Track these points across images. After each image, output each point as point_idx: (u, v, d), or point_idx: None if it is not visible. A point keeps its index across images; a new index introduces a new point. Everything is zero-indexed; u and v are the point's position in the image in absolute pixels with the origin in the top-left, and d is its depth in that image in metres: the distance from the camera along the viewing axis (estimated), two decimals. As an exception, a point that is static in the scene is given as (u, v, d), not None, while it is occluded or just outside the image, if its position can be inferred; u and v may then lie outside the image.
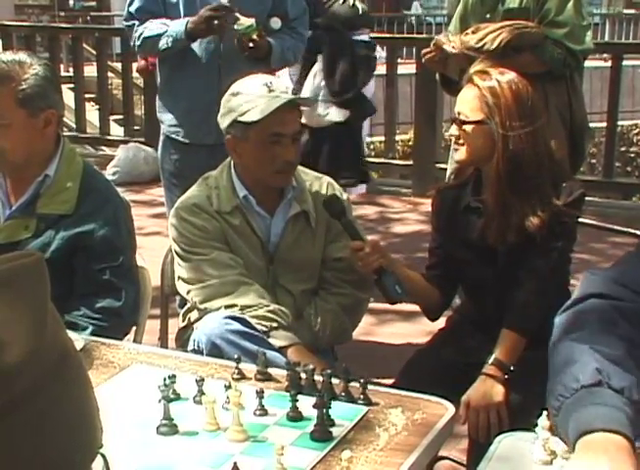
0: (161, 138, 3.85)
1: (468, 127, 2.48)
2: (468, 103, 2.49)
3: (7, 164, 2.47)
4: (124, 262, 2.52)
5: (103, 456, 0.88)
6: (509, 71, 2.51)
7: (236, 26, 3.45)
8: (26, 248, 2.41)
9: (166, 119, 3.78)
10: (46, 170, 2.48)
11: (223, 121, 2.59)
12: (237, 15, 3.46)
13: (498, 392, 2.35)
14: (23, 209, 2.49)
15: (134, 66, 7.95)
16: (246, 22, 3.44)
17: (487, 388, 2.36)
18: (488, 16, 3.49)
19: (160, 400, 1.81)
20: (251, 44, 3.47)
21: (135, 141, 7.84)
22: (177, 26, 3.53)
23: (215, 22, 3.44)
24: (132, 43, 3.76)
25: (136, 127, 8.48)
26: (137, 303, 2.58)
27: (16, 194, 2.52)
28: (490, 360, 2.39)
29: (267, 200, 2.62)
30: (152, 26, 3.61)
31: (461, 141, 2.51)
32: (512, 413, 2.33)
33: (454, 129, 2.52)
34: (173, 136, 3.75)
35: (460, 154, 2.53)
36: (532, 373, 2.34)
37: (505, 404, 2.34)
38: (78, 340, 2.16)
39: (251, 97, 2.51)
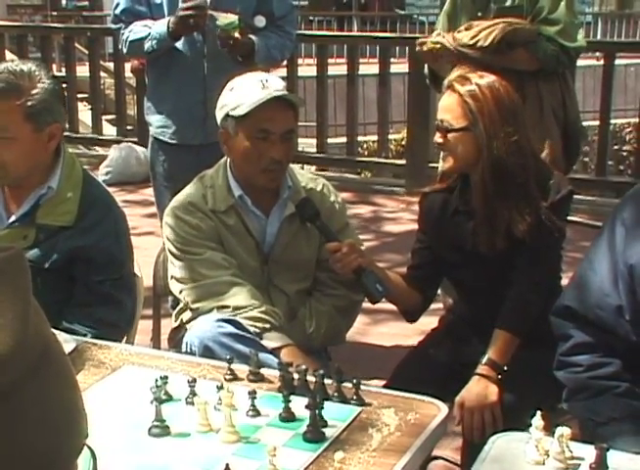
0: (150, 140, 3.83)
1: (453, 135, 2.47)
2: (451, 111, 2.47)
3: (8, 177, 2.43)
4: (125, 275, 2.52)
5: (90, 449, 0.87)
6: (488, 75, 2.50)
7: (217, 22, 3.44)
8: None
9: (154, 121, 3.75)
10: (49, 182, 2.44)
11: (218, 115, 2.59)
12: (213, 13, 3.44)
13: (492, 392, 2.35)
14: (23, 218, 2.45)
15: (127, 65, 7.92)
16: (228, 18, 3.43)
17: (481, 388, 2.35)
18: (480, 14, 3.48)
19: (151, 402, 1.81)
20: (230, 41, 3.44)
21: (128, 141, 7.81)
22: (160, 27, 3.49)
23: (191, 20, 3.41)
24: (120, 47, 3.72)
25: (129, 127, 8.44)
26: (134, 312, 2.59)
27: (15, 203, 2.48)
28: (484, 360, 2.38)
29: (262, 200, 2.61)
30: (136, 29, 3.57)
31: (446, 150, 2.50)
32: (505, 413, 2.33)
33: (438, 137, 2.51)
34: (160, 137, 3.73)
35: (447, 163, 2.52)
36: (526, 373, 2.35)
37: (499, 404, 2.34)
38: (70, 341, 2.14)
39: (244, 92, 2.51)
